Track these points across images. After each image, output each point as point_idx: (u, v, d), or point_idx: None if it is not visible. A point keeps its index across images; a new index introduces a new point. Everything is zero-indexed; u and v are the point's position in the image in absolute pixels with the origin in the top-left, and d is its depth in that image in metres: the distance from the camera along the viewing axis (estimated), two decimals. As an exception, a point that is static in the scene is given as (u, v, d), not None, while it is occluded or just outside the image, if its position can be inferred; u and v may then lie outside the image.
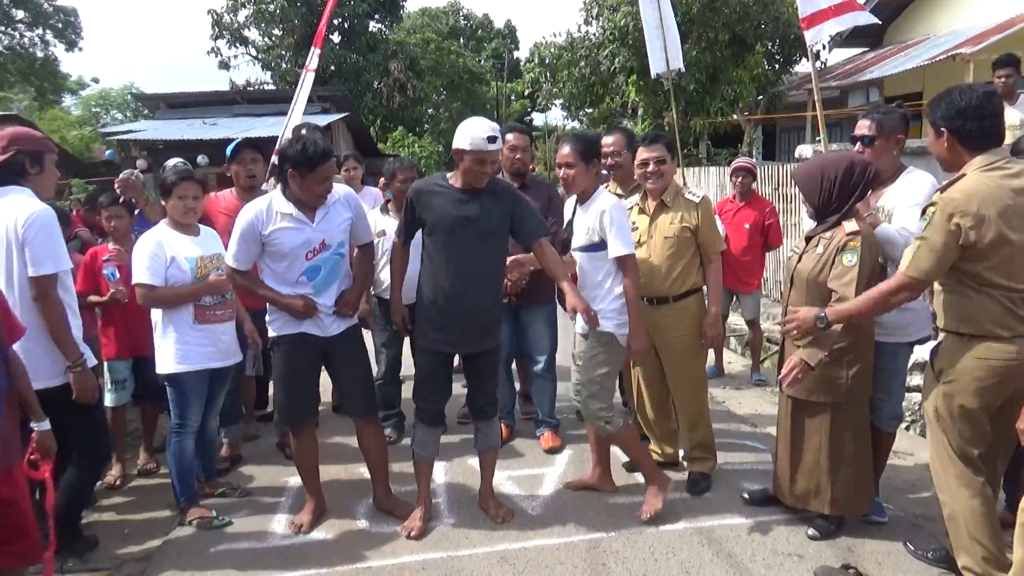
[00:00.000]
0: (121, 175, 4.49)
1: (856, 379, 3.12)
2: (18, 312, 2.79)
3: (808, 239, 3.22)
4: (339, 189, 3.47)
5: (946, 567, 2.99)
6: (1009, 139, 4.32)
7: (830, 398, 3.15)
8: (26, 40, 30.67)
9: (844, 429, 3.17)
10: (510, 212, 3.35)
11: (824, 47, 14.45)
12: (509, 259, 3.62)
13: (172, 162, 4.82)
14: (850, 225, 3.01)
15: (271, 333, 3.44)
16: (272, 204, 3.29)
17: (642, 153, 3.66)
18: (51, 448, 2.73)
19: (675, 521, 3.50)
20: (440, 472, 4.10)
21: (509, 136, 4.31)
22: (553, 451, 4.41)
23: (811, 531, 3.32)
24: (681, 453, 4.08)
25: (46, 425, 2.71)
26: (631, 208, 3.85)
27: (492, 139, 3.18)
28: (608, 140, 4.00)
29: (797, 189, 3.20)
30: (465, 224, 3.26)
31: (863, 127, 3.28)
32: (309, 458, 3.57)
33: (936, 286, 2.77)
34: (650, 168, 3.64)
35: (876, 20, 5.82)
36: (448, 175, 3.38)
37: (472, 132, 3.18)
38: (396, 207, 4.46)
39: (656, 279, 3.65)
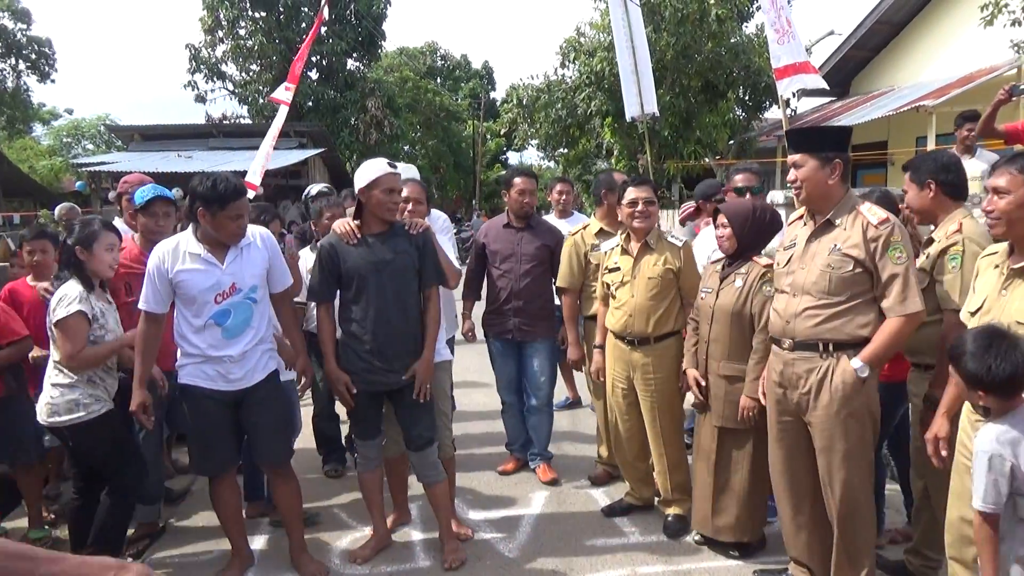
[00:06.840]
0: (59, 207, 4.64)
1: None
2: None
3: (722, 279, 3.41)
4: (255, 230, 3.33)
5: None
6: (974, 189, 4.49)
7: (755, 424, 3.30)
8: (-3, 70, 30.33)
9: (762, 455, 3.26)
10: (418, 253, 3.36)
11: (794, 95, 14.89)
12: None
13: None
14: (764, 260, 3.32)
15: (180, 379, 3.23)
16: (180, 244, 3.16)
17: (631, 193, 3.73)
18: None
19: (653, 564, 3.47)
20: (414, 511, 4.03)
21: (517, 180, 4.49)
22: (553, 483, 4.43)
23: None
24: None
25: None
26: (613, 249, 3.89)
27: (392, 164, 3.29)
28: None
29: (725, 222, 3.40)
30: (383, 268, 3.27)
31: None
32: (229, 507, 3.33)
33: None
34: (639, 208, 3.70)
35: (824, 86, 6.75)
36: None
37: (372, 167, 3.27)
38: None
39: (638, 319, 3.69)
